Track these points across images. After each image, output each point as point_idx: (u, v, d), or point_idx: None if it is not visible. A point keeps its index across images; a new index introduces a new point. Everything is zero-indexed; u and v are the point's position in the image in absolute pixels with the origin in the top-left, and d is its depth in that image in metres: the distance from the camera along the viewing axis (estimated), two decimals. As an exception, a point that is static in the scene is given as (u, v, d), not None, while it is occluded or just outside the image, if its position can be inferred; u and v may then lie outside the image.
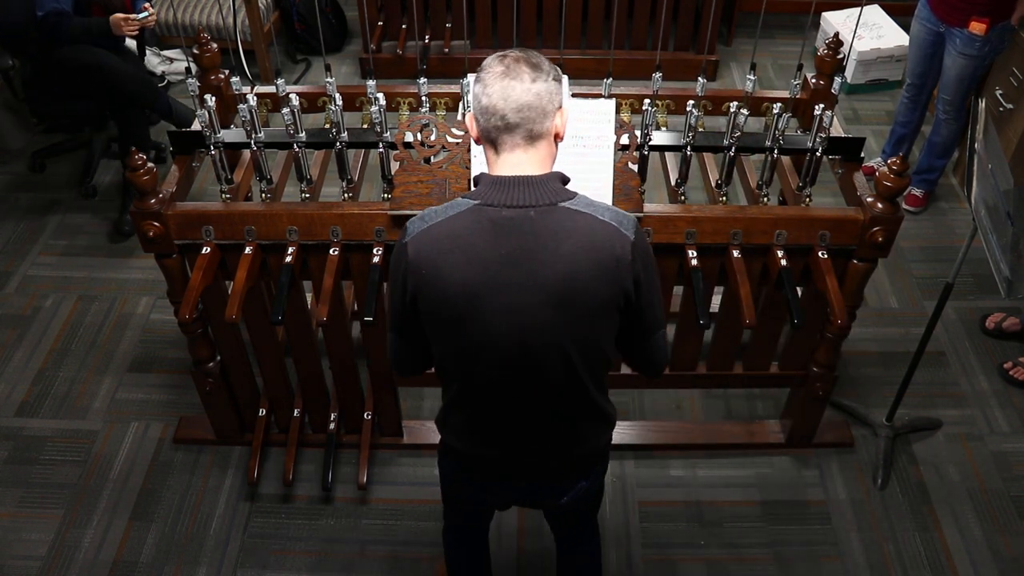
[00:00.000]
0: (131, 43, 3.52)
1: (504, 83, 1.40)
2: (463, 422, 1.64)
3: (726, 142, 2.21)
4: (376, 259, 2.14)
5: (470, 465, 1.71)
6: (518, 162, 1.45)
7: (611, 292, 1.45)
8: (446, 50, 4.30)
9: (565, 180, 1.48)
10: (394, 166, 2.17)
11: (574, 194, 1.47)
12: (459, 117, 2.20)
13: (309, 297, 2.53)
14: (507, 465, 1.67)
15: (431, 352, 1.59)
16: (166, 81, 4.29)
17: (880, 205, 2.12)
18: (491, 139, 1.45)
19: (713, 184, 2.48)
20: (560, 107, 1.46)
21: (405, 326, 1.56)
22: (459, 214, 1.43)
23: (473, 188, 1.48)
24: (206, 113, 2.13)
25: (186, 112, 3.54)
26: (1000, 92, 3.57)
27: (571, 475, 1.72)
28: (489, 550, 2.14)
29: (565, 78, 1.51)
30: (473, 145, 2.05)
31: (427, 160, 2.08)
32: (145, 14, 3.23)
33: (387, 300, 1.58)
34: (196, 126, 2.20)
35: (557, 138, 1.48)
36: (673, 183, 2.48)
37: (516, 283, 1.41)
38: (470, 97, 1.45)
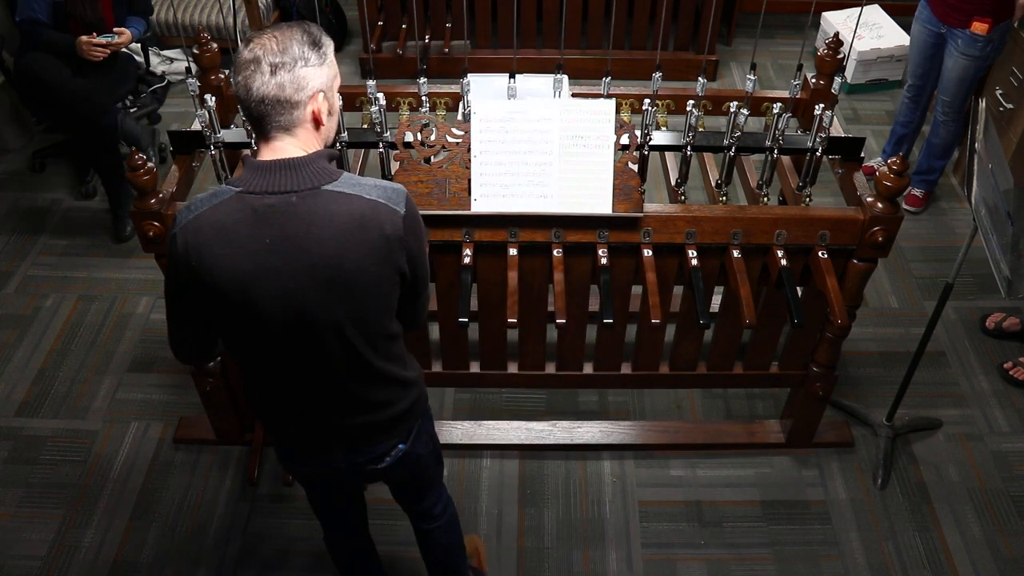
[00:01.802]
0: (135, 46, 3.52)
1: (246, 74, 1.39)
2: (262, 399, 1.68)
3: (726, 142, 2.21)
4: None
5: (286, 442, 1.75)
6: (281, 146, 1.45)
7: (384, 270, 1.49)
8: (446, 50, 4.29)
9: (333, 157, 1.50)
10: (394, 166, 2.17)
11: (340, 173, 1.47)
12: (459, 117, 2.20)
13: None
14: (314, 437, 1.69)
15: (210, 338, 1.62)
16: (166, 81, 4.29)
17: (880, 205, 2.12)
18: (252, 124, 1.46)
19: (713, 184, 2.48)
20: (319, 90, 1.43)
21: (178, 312, 1.58)
22: (222, 203, 1.43)
23: (243, 170, 1.48)
24: (206, 113, 2.13)
25: (135, 132, 3.50)
26: (1000, 92, 3.57)
27: (382, 438, 1.72)
28: (372, 554, 2.17)
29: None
30: (473, 145, 2.05)
31: (427, 160, 2.08)
32: (112, 38, 3.22)
33: (165, 288, 1.59)
34: (196, 126, 2.20)
35: (318, 122, 1.46)
36: (673, 183, 2.48)
37: (284, 270, 1.43)
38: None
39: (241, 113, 1.58)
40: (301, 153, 1.45)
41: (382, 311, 1.55)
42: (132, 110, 3.68)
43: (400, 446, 1.75)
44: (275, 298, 1.45)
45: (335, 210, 1.43)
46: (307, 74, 1.41)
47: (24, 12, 3.15)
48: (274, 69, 1.38)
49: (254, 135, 1.48)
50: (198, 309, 1.54)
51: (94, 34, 3.21)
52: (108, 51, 3.26)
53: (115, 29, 3.31)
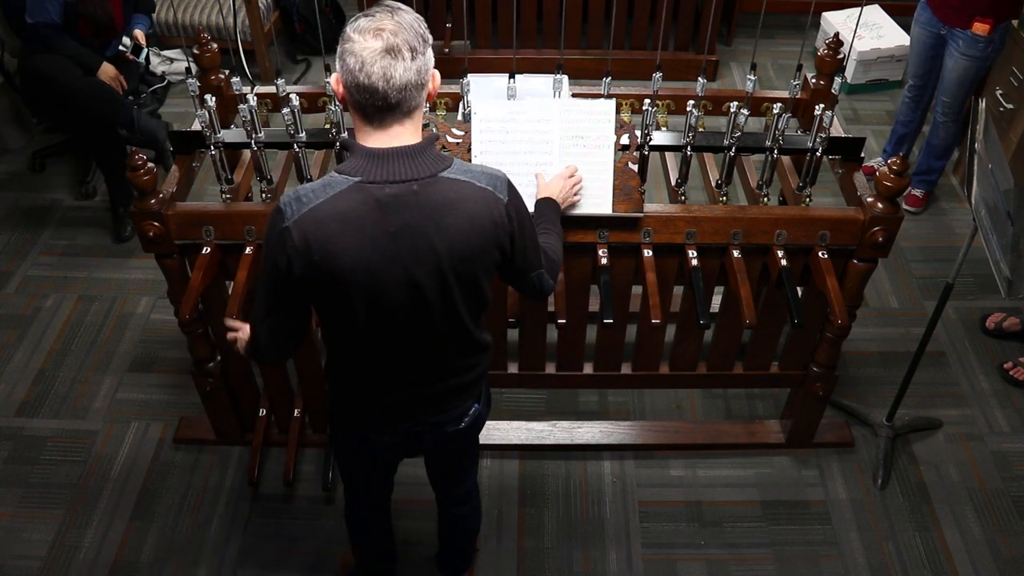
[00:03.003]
0: (127, 42, 3.53)
1: (385, 63, 1.37)
2: (356, 378, 1.69)
3: (726, 142, 2.21)
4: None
5: (372, 415, 1.76)
6: (396, 134, 1.45)
7: (491, 252, 1.55)
8: (446, 50, 4.30)
9: (436, 140, 1.53)
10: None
11: (451, 160, 1.51)
12: (459, 117, 2.20)
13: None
14: (405, 404, 1.73)
15: (303, 332, 1.65)
16: (166, 81, 4.29)
17: (880, 205, 2.12)
18: (367, 115, 1.44)
19: (713, 184, 2.48)
20: (433, 68, 1.46)
21: (285, 309, 1.56)
22: (341, 194, 1.43)
23: (347, 157, 1.48)
24: (206, 113, 2.13)
25: (151, 126, 3.52)
26: (1000, 92, 3.57)
27: (464, 399, 1.80)
28: (392, 528, 2.22)
29: (428, 49, 1.46)
30: (474, 145, 2.05)
31: (427, 160, 2.08)
32: (144, 53, 3.32)
33: (261, 284, 1.56)
34: (196, 126, 2.20)
35: (430, 99, 1.49)
36: (673, 183, 2.48)
37: (408, 257, 1.47)
38: (340, 64, 1.41)
39: (341, 104, 1.52)
40: (415, 139, 1.47)
41: (486, 289, 1.61)
42: (133, 108, 3.68)
43: (476, 405, 1.84)
44: (400, 285, 1.49)
45: (453, 198, 1.47)
46: (431, 56, 1.43)
47: (38, 15, 3.14)
48: (413, 54, 1.38)
49: (361, 121, 1.45)
50: (305, 303, 1.55)
51: (129, 53, 3.29)
52: (124, 83, 3.35)
53: (136, 36, 3.35)
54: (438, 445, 1.88)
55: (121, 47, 3.45)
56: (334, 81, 1.46)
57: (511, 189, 1.55)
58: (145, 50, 3.43)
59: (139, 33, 3.45)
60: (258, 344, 1.64)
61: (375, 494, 2.09)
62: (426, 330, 1.59)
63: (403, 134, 1.45)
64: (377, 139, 1.45)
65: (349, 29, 1.39)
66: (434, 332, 1.60)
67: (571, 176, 2.01)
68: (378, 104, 1.40)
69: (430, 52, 1.43)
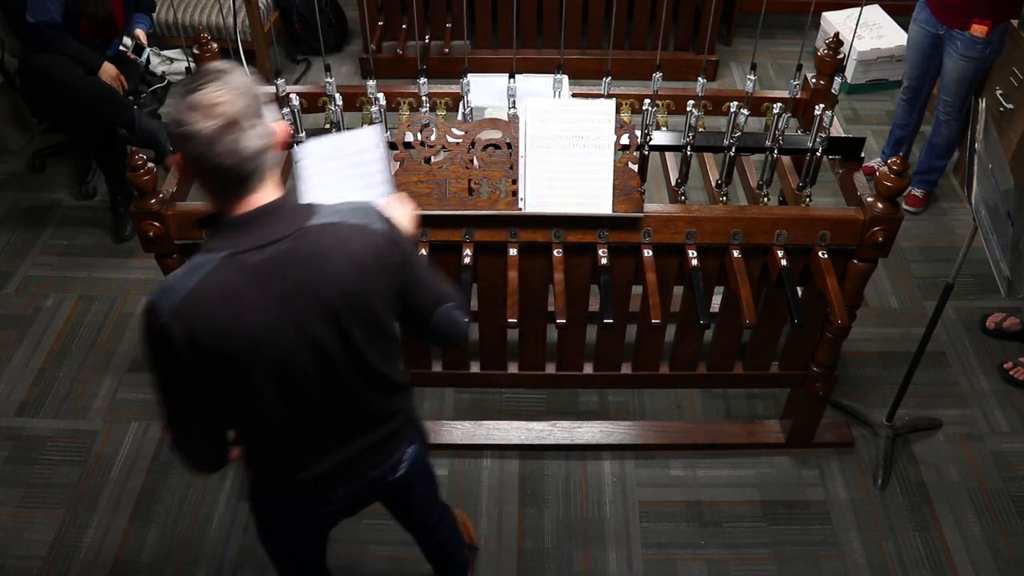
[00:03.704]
0: (128, 41, 3.53)
1: (230, 139, 1.28)
2: (279, 456, 1.57)
3: (726, 142, 2.21)
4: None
5: (304, 488, 1.63)
6: (256, 200, 1.37)
7: (384, 287, 1.47)
8: (446, 50, 4.30)
9: (290, 191, 1.44)
10: (394, 166, 2.17)
11: (315, 206, 1.43)
12: (459, 117, 2.20)
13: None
14: (336, 469, 1.62)
15: (225, 428, 1.53)
16: (166, 81, 4.29)
17: (880, 205, 2.12)
18: (221, 191, 1.36)
19: (713, 184, 2.48)
20: (275, 125, 1.37)
21: (188, 410, 1.45)
22: (212, 272, 1.34)
23: (211, 233, 1.39)
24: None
25: (152, 126, 3.51)
26: (1000, 92, 3.57)
27: (398, 445, 1.71)
28: None
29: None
30: (300, 185, 2.02)
31: (427, 160, 2.08)
32: (146, 53, 3.34)
33: (159, 393, 1.43)
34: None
35: (282, 148, 1.41)
36: (673, 183, 2.48)
37: (299, 317, 1.39)
38: (180, 145, 1.30)
39: (184, 179, 1.39)
40: (275, 195, 1.39)
41: (391, 328, 1.54)
42: (134, 108, 3.68)
43: (411, 448, 1.75)
44: (301, 349, 1.41)
45: (329, 243, 1.40)
46: (269, 111, 1.35)
47: (39, 14, 3.14)
48: (254, 121, 1.31)
49: (215, 197, 1.37)
50: (210, 396, 1.44)
51: (130, 53, 3.30)
52: (125, 83, 3.35)
53: (137, 36, 3.35)
54: (383, 497, 1.81)
55: (122, 47, 3.45)
56: (174, 161, 1.35)
57: (381, 215, 1.48)
58: (146, 50, 3.44)
59: (140, 32, 3.46)
60: (181, 449, 1.51)
61: (319, 570, 1.96)
62: (339, 387, 1.50)
63: (263, 196, 1.38)
64: (236, 208, 1.37)
65: (182, 107, 1.28)
66: (348, 386, 1.51)
67: (405, 203, 1.81)
68: (232, 180, 1.33)
69: (267, 108, 1.35)
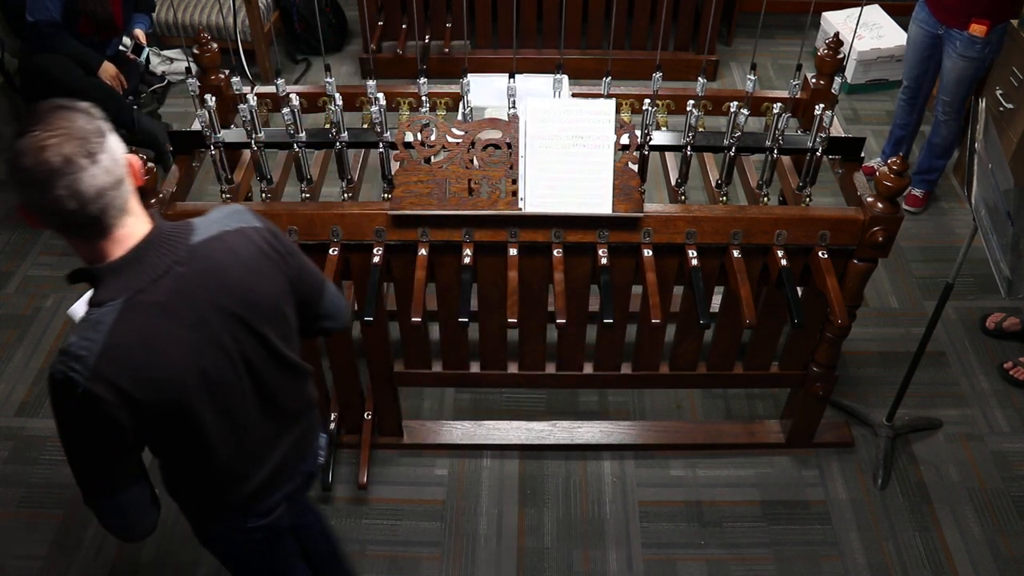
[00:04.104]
0: (127, 41, 3.53)
1: (67, 182, 1.20)
2: (224, 477, 1.55)
3: (726, 142, 2.21)
4: (376, 259, 2.14)
5: (254, 499, 1.63)
6: (124, 236, 1.31)
7: (280, 281, 1.48)
8: (446, 50, 4.30)
9: (157, 213, 1.41)
10: (394, 166, 2.17)
11: (191, 223, 1.41)
12: (459, 117, 2.20)
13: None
14: (277, 472, 1.64)
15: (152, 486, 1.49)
16: (166, 81, 4.29)
17: (880, 205, 2.12)
18: (81, 235, 1.29)
19: (713, 184, 2.48)
20: (126, 157, 1.30)
21: (132, 470, 1.41)
22: (117, 323, 1.28)
23: (97, 286, 1.32)
24: (206, 113, 2.13)
25: (151, 127, 3.51)
26: (1000, 92, 3.57)
27: (317, 433, 1.75)
28: None
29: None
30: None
31: (427, 160, 2.08)
32: (146, 53, 3.33)
33: (85, 466, 1.37)
34: (196, 126, 2.20)
35: (138, 183, 1.35)
36: (673, 183, 2.48)
37: (217, 337, 1.38)
38: (20, 195, 1.24)
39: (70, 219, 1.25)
40: (146, 226, 1.34)
41: (292, 314, 1.55)
42: (133, 108, 3.67)
43: (322, 436, 1.79)
44: (228, 366, 1.41)
45: (218, 256, 1.38)
46: (112, 142, 1.27)
47: (39, 13, 3.15)
48: (92, 156, 1.22)
49: (80, 242, 1.31)
50: (139, 450, 1.40)
51: (130, 52, 3.30)
52: (123, 83, 3.35)
53: (136, 36, 3.35)
54: (306, 488, 1.82)
55: (122, 47, 3.46)
56: (20, 213, 1.28)
57: (255, 215, 1.49)
58: (146, 49, 3.44)
59: (139, 32, 3.47)
60: (140, 526, 1.48)
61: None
62: (269, 392, 1.51)
63: (132, 231, 1.31)
64: (111, 250, 1.30)
65: (12, 156, 1.22)
66: (276, 389, 1.53)
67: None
68: (82, 223, 1.25)
69: (111, 138, 1.27)
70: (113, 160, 1.26)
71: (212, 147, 2.18)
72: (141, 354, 1.29)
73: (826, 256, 2.18)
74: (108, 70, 3.29)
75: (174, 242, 1.35)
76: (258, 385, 1.49)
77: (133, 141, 3.48)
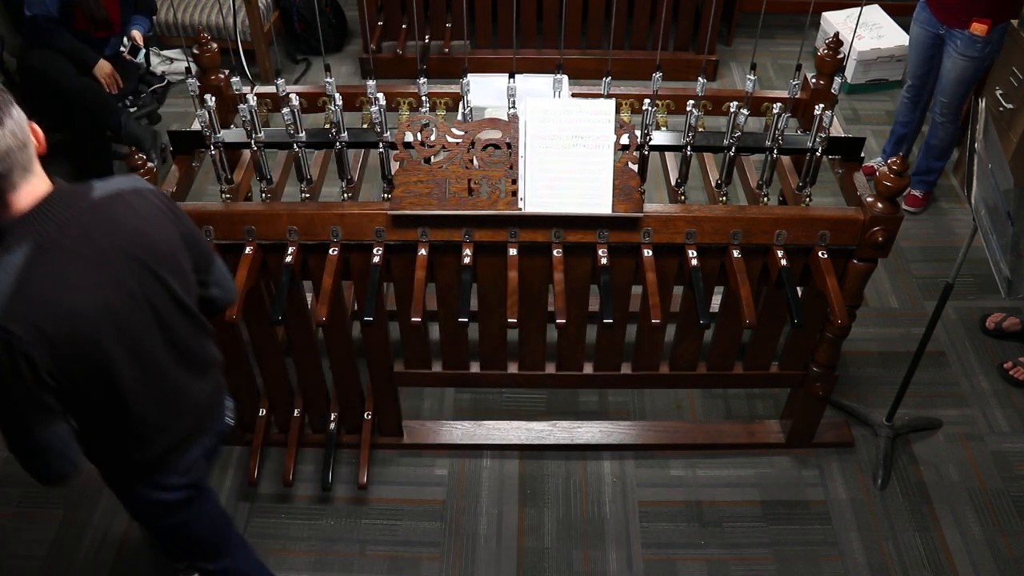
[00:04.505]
0: (126, 41, 3.53)
1: None
2: (144, 428, 1.62)
3: (726, 142, 2.21)
4: (376, 259, 2.14)
5: (174, 454, 1.70)
6: (29, 191, 1.40)
7: (177, 237, 1.59)
8: (446, 50, 4.30)
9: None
10: (394, 166, 2.17)
11: (91, 183, 1.52)
12: (459, 117, 2.20)
13: (309, 297, 2.53)
14: (194, 424, 1.73)
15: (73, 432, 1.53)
16: (166, 81, 4.29)
17: (880, 205, 2.12)
18: None
19: (713, 184, 2.48)
20: (26, 119, 1.41)
21: (53, 410, 1.45)
22: (26, 267, 1.36)
23: (4, 237, 1.40)
24: (206, 113, 2.13)
25: (137, 132, 3.51)
26: (1000, 92, 3.57)
27: (224, 392, 1.86)
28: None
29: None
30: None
31: (427, 160, 2.08)
32: (140, 53, 3.34)
33: (6, 410, 1.43)
34: (196, 126, 2.20)
35: (40, 151, 1.45)
36: (673, 183, 2.48)
37: (126, 279, 1.47)
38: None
39: None
40: (48, 184, 1.44)
41: (190, 270, 1.64)
42: (132, 109, 3.68)
43: (228, 399, 1.89)
44: (138, 306, 1.49)
45: (120, 209, 1.50)
46: (17, 113, 1.38)
47: (36, 7, 3.16)
48: (0, 122, 1.33)
49: None
50: (55, 392, 1.44)
51: (126, 53, 3.29)
52: (119, 83, 3.34)
53: (133, 37, 3.35)
54: (218, 448, 1.88)
55: (122, 47, 3.46)
56: None
57: (146, 181, 1.63)
58: (142, 50, 3.44)
59: (136, 34, 3.46)
60: (62, 469, 1.51)
61: (231, 530, 2.01)
62: (176, 339, 1.59)
63: (36, 188, 1.41)
64: (16, 206, 1.40)
65: None
66: (181, 337, 1.61)
67: None
68: None
69: (16, 111, 1.37)
70: (19, 125, 1.37)
71: (212, 147, 2.19)
72: (51, 291, 1.38)
73: (826, 256, 2.18)
74: (103, 68, 3.29)
75: (76, 197, 1.47)
76: (164, 330, 1.57)
77: (119, 143, 3.49)
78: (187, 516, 1.84)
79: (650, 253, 2.17)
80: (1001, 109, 3.55)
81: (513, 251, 2.16)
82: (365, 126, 2.36)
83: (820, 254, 2.18)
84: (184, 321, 1.61)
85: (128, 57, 3.45)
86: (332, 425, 2.66)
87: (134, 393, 1.54)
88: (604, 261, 2.14)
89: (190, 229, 1.65)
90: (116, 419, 1.57)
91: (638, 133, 2.12)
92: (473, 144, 2.06)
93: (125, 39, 3.49)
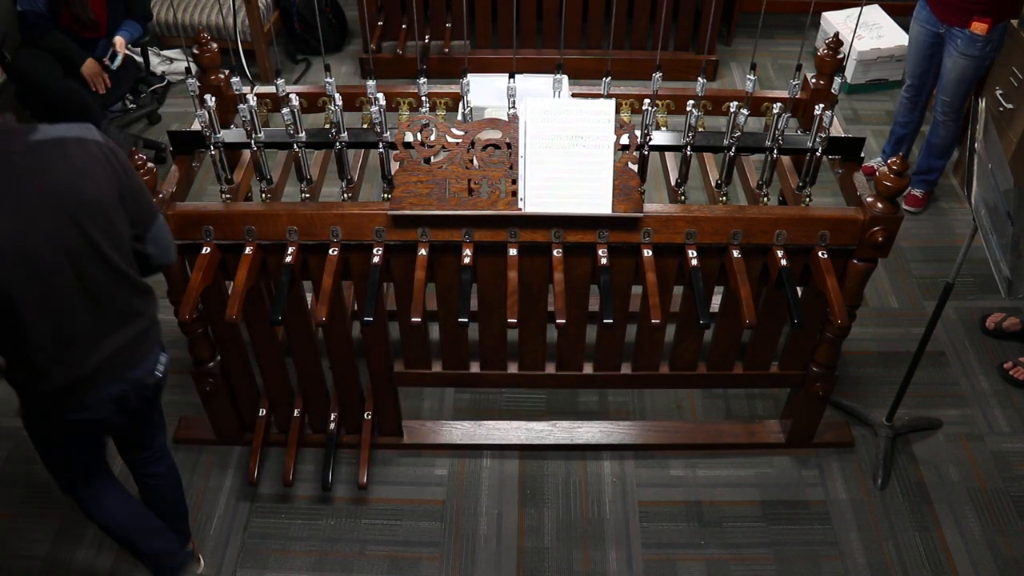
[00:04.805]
0: (117, 38, 3.52)
1: None
2: (48, 363, 1.71)
3: (726, 142, 2.21)
4: (376, 259, 2.14)
5: (78, 392, 1.79)
6: None
7: (113, 192, 1.67)
8: (446, 50, 4.30)
9: (5, 116, 1.62)
10: (394, 166, 2.17)
11: (36, 126, 1.60)
12: (459, 117, 2.20)
13: (309, 297, 2.53)
14: (103, 368, 1.80)
15: None
16: (166, 81, 4.29)
17: (880, 205, 2.12)
18: None
19: (713, 184, 2.48)
20: None
21: None
22: None
23: None
24: (206, 113, 2.13)
25: (117, 138, 3.51)
26: (1000, 92, 3.57)
27: (150, 347, 1.90)
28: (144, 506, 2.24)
29: None
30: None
31: (427, 160, 2.08)
32: (116, 58, 3.32)
33: None
34: (196, 126, 2.20)
35: None
36: (673, 183, 2.48)
37: (45, 221, 1.56)
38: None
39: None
40: None
41: (124, 227, 1.72)
42: (132, 108, 3.68)
43: (162, 355, 1.95)
44: (53, 248, 1.58)
45: (56, 155, 1.58)
46: None
47: (26, 3, 3.18)
48: None
49: None
50: None
51: (106, 58, 3.27)
52: (107, 83, 3.32)
53: (115, 43, 3.33)
54: (141, 402, 1.95)
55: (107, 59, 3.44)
56: None
57: (100, 132, 1.70)
58: (119, 56, 3.39)
59: (118, 39, 3.42)
60: None
61: (102, 469, 2.13)
62: (91, 284, 1.68)
63: None
64: None
65: None
66: (98, 285, 1.69)
67: None
68: None
69: None
70: None
71: (212, 147, 2.19)
72: None
73: (826, 256, 2.19)
74: (91, 67, 3.29)
75: (16, 135, 1.56)
76: (82, 278, 1.65)
77: None
78: (68, 448, 1.99)
79: (650, 253, 2.17)
80: (1001, 109, 3.55)
81: (513, 251, 2.16)
82: (365, 126, 2.36)
83: (820, 254, 2.18)
84: (104, 271, 1.69)
85: (106, 62, 3.40)
86: (332, 425, 2.66)
87: (34, 329, 1.63)
88: (604, 261, 2.14)
89: (134, 186, 1.72)
90: (14, 347, 1.68)
91: (638, 133, 2.12)
92: (473, 144, 2.06)
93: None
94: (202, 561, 2.43)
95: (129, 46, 3.52)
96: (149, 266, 1.85)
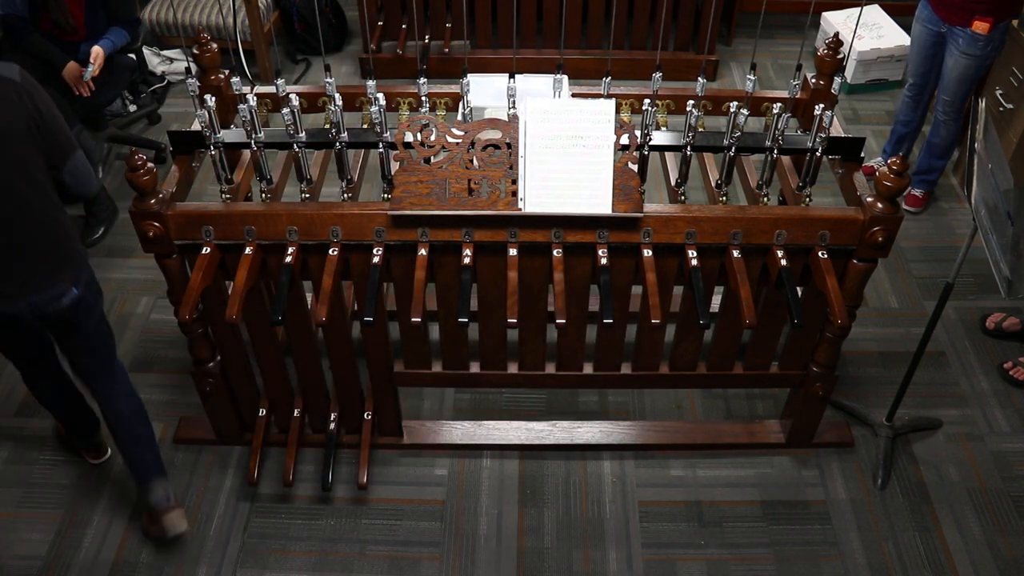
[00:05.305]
0: (95, 48, 3.50)
1: None
2: None
3: (726, 142, 2.21)
4: (376, 259, 2.14)
5: None
6: None
7: (22, 129, 1.86)
8: (446, 50, 4.30)
9: None
10: (394, 166, 2.17)
11: None
12: (459, 117, 2.20)
13: (309, 297, 2.53)
14: (9, 287, 2.01)
15: None
16: (166, 81, 4.29)
17: (880, 205, 2.12)
18: None
19: (713, 184, 2.48)
20: None
21: None
22: None
23: None
24: (206, 113, 2.13)
25: (89, 146, 3.47)
26: (1000, 92, 3.57)
27: (59, 280, 2.09)
28: (62, 371, 2.47)
29: None
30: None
31: (427, 160, 2.08)
32: (89, 69, 3.30)
33: None
34: (196, 126, 2.20)
35: None
36: (673, 183, 2.48)
37: None
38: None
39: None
40: None
41: (37, 163, 1.90)
42: (132, 108, 3.67)
43: (73, 290, 2.10)
44: None
45: None
46: None
47: (6, 6, 3.18)
48: None
49: None
50: None
51: (86, 69, 3.26)
52: (87, 91, 3.30)
53: (92, 51, 3.30)
54: (46, 325, 2.16)
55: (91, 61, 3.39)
56: None
57: (23, 74, 1.88)
58: (90, 69, 3.32)
59: (96, 50, 3.33)
60: None
61: (33, 359, 2.36)
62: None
63: None
64: None
65: None
66: (6, 210, 1.88)
67: None
68: None
69: None
70: None
71: (212, 147, 2.18)
72: None
73: (826, 256, 2.19)
74: (71, 71, 3.26)
75: None
76: None
77: None
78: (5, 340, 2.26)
79: (650, 253, 2.17)
80: (1001, 109, 3.55)
81: (513, 251, 2.16)
82: (365, 126, 2.36)
83: (820, 254, 2.18)
84: (9, 206, 1.87)
85: (82, 70, 3.35)
86: (332, 425, 2.66)
87: None
88: (604, 261, 2.14)
89: (47, 121, 1.91)
90: None
91: (638, 133, 2.12)
92: (473, 144, 2.06)
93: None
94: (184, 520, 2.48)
95: (119, 53, 3.49)
96: (68, 194, 2.07)
